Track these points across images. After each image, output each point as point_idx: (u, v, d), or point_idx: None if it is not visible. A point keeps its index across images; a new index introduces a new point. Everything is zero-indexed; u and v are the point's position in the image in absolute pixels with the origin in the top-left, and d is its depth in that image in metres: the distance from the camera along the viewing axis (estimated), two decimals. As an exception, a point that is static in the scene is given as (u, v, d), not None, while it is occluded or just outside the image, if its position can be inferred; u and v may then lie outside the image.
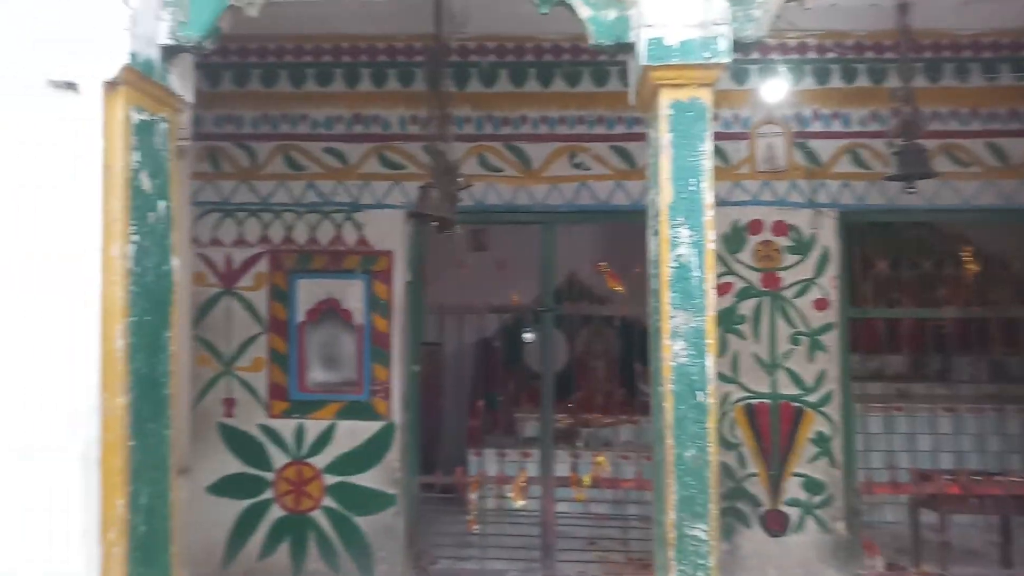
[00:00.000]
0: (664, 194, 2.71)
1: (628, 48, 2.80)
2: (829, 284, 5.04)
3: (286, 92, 5.26)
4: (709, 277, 2.69)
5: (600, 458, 5.33)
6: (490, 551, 5.22)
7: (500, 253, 7.33)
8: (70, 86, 2.50)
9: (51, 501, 2.39)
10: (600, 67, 5.11)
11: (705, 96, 2.73)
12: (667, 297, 2.68)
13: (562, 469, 5.34)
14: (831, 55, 5.11)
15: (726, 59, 2.68)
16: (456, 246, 5.02)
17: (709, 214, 2.71)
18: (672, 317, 2.67)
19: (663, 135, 2.71)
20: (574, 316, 6.45)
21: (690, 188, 2.70)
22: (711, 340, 2.68)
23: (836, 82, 5.14)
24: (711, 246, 2.71)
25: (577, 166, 5.20)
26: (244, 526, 5.06)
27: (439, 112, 4.29)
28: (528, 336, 5.14)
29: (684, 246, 2.69)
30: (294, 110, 5.26)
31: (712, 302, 2.70)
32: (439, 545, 5.33)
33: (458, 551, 5.27)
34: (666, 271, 2.69)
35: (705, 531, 2.62)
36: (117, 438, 2.45)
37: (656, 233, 2.76)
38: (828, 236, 5.07)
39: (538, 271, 5.35)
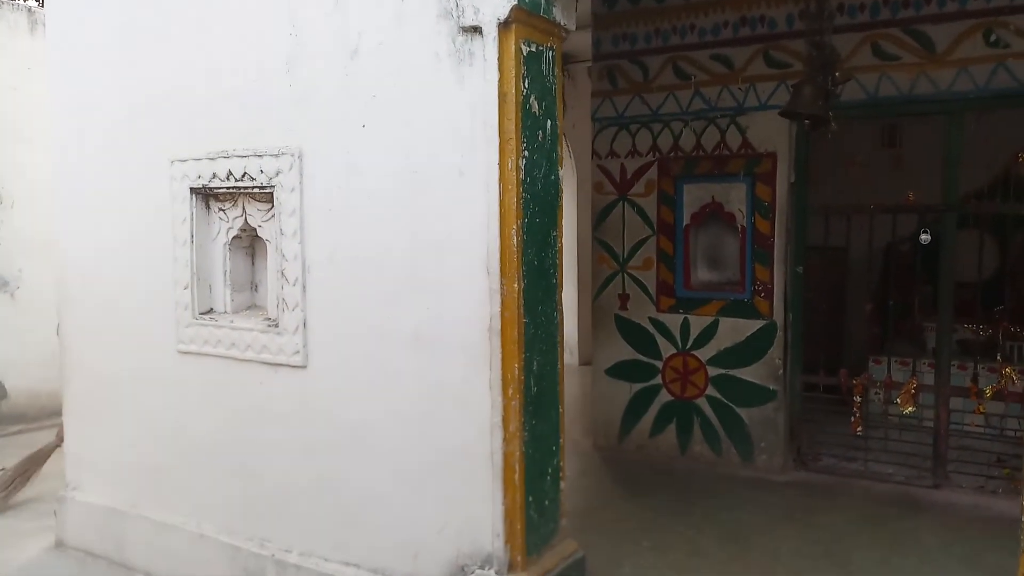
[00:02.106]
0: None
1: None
2: None
3: (676, 5, 5.47)
4: None
5: (1008, 369, 4.83)
6: (875, 455, 5.15)
7: (899, 148, 6.77)
8: (475, 30, 3.07)
9: (465, 360, 3.11)
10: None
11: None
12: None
13: (962, 380, 4.99)
14: None
15: None
16: (850, 144, 4.82)
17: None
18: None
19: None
20: (1006, 217, 5.73)
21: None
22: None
23: None
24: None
25: (994, 44, 4.62)
26: (636, 406, 5.69)
27: (819, 3, 4.16)
28: (924, 238, 4.76)
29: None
30: (683, 21, 5.46)
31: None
32: (821, 443, 5.38)
33: (841, 451, 5.28)
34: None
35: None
36: (513, 315, 3.06)
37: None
38: None
39: (942, 167, 4.91)
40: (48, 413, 5.81)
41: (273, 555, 3.63)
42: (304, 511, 3.57)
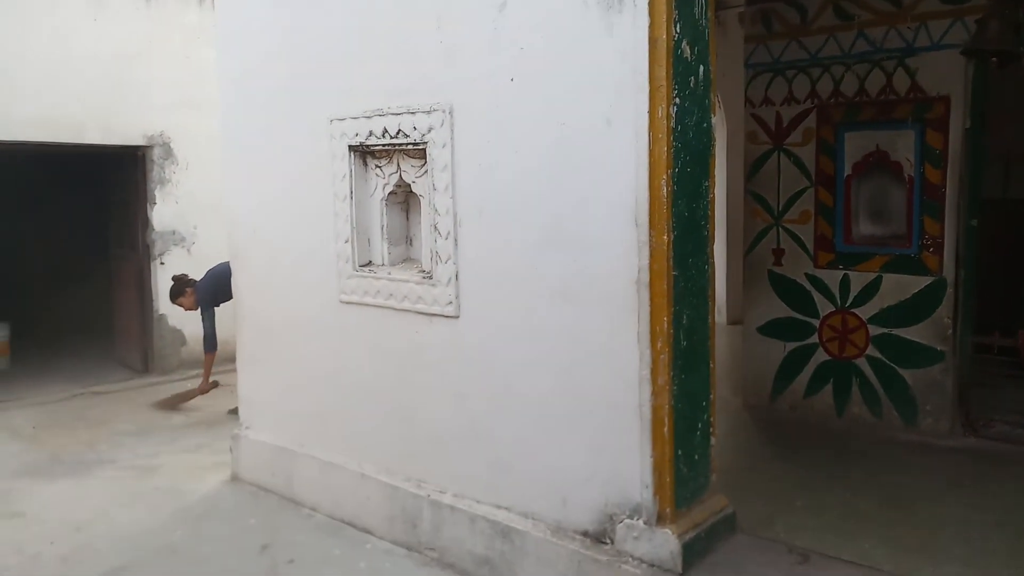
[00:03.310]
0: None
1: None
2: None
3: (837, -60, 5.14)
4: None
5: None
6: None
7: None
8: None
9: (612, 313, 3.10)
10: None
11: None
12: None
13: None
14: None
15: None
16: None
17: None
18: None
19: None
20: None
21: None
22: None
23: None
24: None
25: None
26: (790, 366, 5.49)
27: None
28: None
29: None
30: (845, -43, 5.12)
31: None
32: (994, 409, 5.01)
33: (1017, 418, 4.89)
34: None
35: None
36: (662, 268, 3.01)
37: None
38: None
39: None
40: (222, 359, 6.39)
41: (429, 496, 3.81)
42: (457, 454, 3.72)
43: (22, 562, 3.89)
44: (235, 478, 4.91)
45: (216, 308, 6.36)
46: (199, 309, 6.38)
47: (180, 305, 6.58)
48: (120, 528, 4.27)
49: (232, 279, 4.90)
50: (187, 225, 7.80)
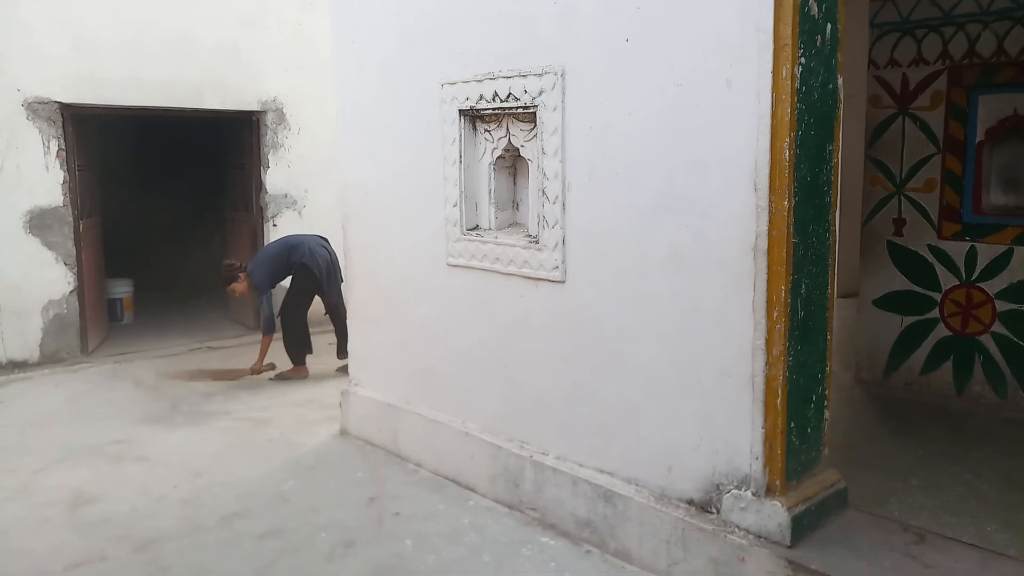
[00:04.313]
0: None
1: None
2: None
3: None
4: None
5: None
6: None
7: None
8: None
9: (726, 280, 3.03)
10: None
11: None
12: None
13: None
14: None
15: None
16: None
17: None
18: None
19: None
20: None
21: None
22: None
23: None
24: None
25: None
26: (908, 340, 5.25)
27: None
28: None
29: None
30: (986, -96, 4.75)
31: None
32: None
33: None
34: None
35: None
36: (781, 234, 2.91)
37: None
38: None
39: None
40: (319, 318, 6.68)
41: (531, 456, 3.85)
42: (561, 417, 3.73)
43: (148, 503, 4.16)
44: (343, 432, 5.09)
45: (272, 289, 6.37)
46: (258, 292, 6.34)
47: (233, 291, 6.56)
48: (236, 476, 4.50)
49: (344, 242, 5.03)
50: (298, 188, 8.05)
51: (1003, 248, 4.81)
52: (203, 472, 4.54)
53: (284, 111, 7.90)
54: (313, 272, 6.39)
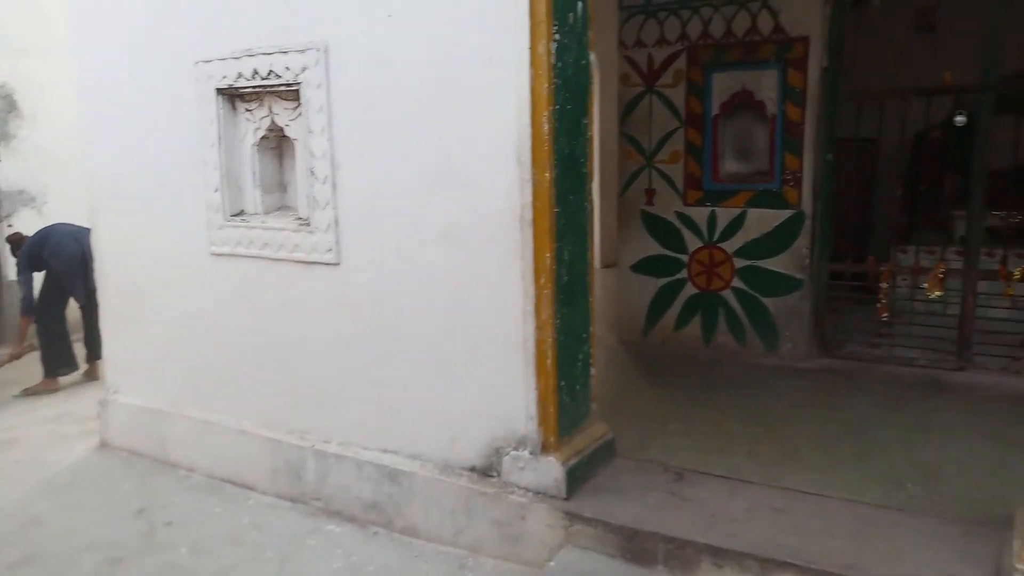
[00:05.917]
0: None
1: None
2: None
3: None
4: None
5: (1040, 251, 4.80)
6: (900, 339, 5.20)
7: (935, 34, 6.53)
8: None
9: (497, 251, 3.12)
10: None
11: None
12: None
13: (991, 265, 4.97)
14: None
15: None
16: (887, 25, 4.65)
17: None
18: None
19: None
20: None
21: None
22: None
23: None
24: None
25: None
26: (661, 301, 5.73)
27: None
28: (960, 120, 4.67)
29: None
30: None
31: None
32: (846, 331, 5.42)
33: (866, 338, 5.32)
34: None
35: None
36: (544, 205, 3.04)
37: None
38: None
39: (982, 47, 4.75)
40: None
41: (313, 446, 3.76)
42: (343, 403, 3.67)
43: None
44: (104, 445, 4.66)
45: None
46: (16, 272, 5.91)
47: None
48: (-23, 504, 3.99)
49: (91, 236, 4.59)
50: (37, 183, 7.21)
51: (738, 211, 5.37)
52: (-65, 505, 3.99)
53: (15, 97, 7.02)
54: (55, 269, 5.80)
